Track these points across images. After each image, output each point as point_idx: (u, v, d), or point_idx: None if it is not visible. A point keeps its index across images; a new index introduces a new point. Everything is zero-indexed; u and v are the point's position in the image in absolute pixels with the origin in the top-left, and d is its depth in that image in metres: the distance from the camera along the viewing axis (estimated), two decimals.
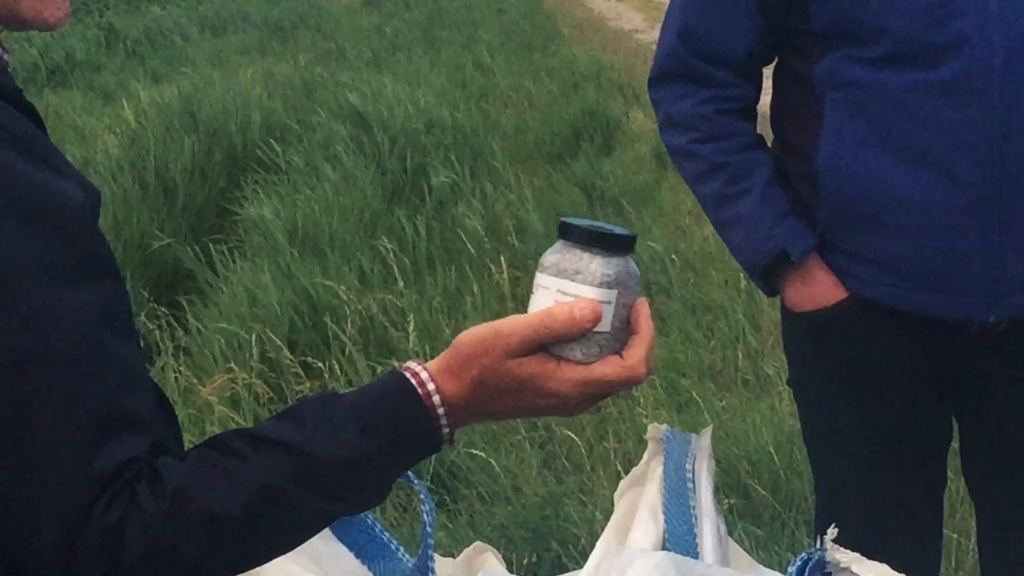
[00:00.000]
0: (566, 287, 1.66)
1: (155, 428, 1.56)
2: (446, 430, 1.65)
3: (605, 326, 1.65)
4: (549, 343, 1.65)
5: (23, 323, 1.48)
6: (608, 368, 1.66)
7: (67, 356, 1.50)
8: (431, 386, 1.64)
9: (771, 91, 3.10)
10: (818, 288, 2.98)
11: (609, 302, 1.65)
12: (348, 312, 6.99)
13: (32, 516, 1.48)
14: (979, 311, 2.86)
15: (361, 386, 1.66)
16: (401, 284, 7.42)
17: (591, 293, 1.64)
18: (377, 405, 1.63)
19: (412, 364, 1.66)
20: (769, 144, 3.10)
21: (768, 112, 3.08)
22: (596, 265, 1.65)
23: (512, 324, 1.66)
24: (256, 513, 1.54)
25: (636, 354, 1.67)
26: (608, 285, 1.65)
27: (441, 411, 1.64)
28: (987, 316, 2.87)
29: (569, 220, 1.68)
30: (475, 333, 1.66)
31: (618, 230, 1.67)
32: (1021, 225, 2.80)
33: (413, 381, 1.64)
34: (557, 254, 1.68)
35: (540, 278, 1.68)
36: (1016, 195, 2.77)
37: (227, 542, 1.54)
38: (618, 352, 1.68)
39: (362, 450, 1.60)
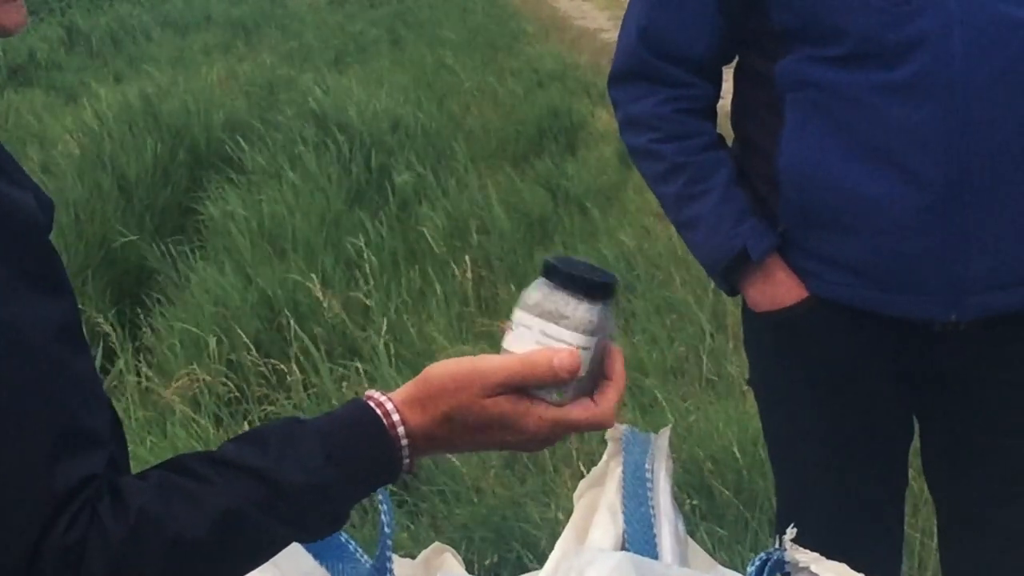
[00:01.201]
0: (549, 330, 1.66)
1: (111, 446, 1.56)
2: (406, 461, 1.66)
3: (582, 371, 1.66)
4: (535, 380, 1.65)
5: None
6: (580, 412, 1.68)
7: (26, 371, 1.48)
8: (395, 417, 1.64)
9: (731, 90, 3.10)
10: (779, 288, 2.98)
11: (588, 348, 1.66)
12: (311, 313, 6.99)
13: None
14: (940, 311, 2.87)
15: (326, 413, 1.66)
16: (365, 285, 7.42)
17: (574, 340, 1.65)
18: (342, 433, 1.63)
19: (376, 394, 1.66)
20: (730, 143, 3.10)
21: (729, 111, 3.08)
22: (580, 312, 1.66)
23: (491, 365, 1.66)
24: (220, 538, 1.54)
25: (608, 400, 1.69)
26: (591, 332, 1.66)
27: (404, 442, 1.64)
28: (948, 316, 2.87)
29: (553, 261, 1.68)
30: (448, 368, 1.67)
31: (600, 275, 1.67)
32: (982, 225, 2.79)
33: (378, 411, 1.64)
34: (540, 294, 1.67)
35: (521, 316, 1.68)
36: (977, 195, 2.76)
37: (190, 565, 1.54)
38: (590, 394, 1.69)
39: (326, 478, 1.60)
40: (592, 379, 1.68)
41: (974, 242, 2.80)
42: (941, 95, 2.73)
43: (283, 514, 1.58)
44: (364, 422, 1.64)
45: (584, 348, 1.65)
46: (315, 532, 1.66)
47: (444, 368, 1.67)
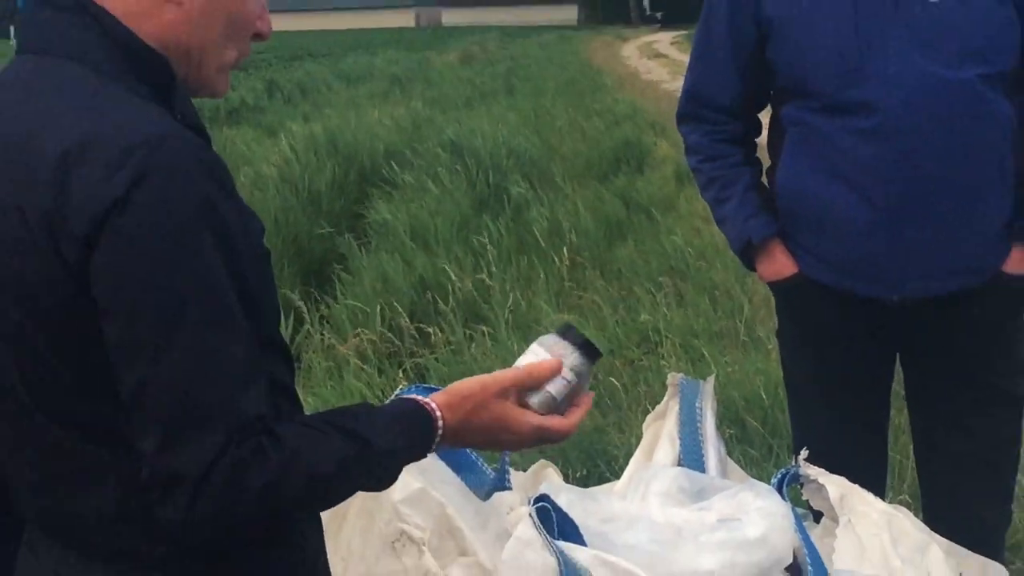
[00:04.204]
0: (547, 354, 1.79)
1: (273, 400, 1.58)
2: (434, 447, 1.70)
3: (559, 395, 1.76)
4: (522, 391, 1.74)
5: (216, 303, 1.49)
6: (554, 421, 1.76)
7: (240, 330, 1.51)
8: (438, 414, 1.67)
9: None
10: (777, 264, 3.05)
11: (568, 380, 1.76)
12: (449, 290, 7.03)
13: (187, 435, 1.46)
14: (887, 292, 2.93)
15: (395, 402, 1.71)
16: (487, 269, 7.44)
17: (564, 372, 1.77)
18: (408, 419, 1.66)
19: (424, 399, 1.70)
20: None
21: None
22: (571, 358, 1.77)
23: (502, 372, 1.74)
24: (335, 475, 1.55)
25: (574, 417, 1.79)
26: (573, 372, 1.77)
27: (440, 433, 1.68)
28: (893, 296, 2.92)
29: (568, 324, 1.83)
30: (471, 380, 1.73)
31: (595, 346, 1.80)
32: (916, 234, 2.85)
33: (428, 410, 1.67)
34: (551, 340, 1.80)
35: (534, 348, 1.80)
36: (913, 213, 2.83)
37: (313, 492, 1.55)
38: (562, 414, 1.78)
39: (395, 446, 1.62)
40: (566, 407, 1.78)
41: (910, 245, 2.87)
42: (886, 138, 2.81)
43: (368, 465, 1.60)
44: (420, 415, 1.67)
45: (564, 377, 1.76)
46: (381, 482, 1.68)
47: (469, 381, 1.73)
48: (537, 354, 1.78)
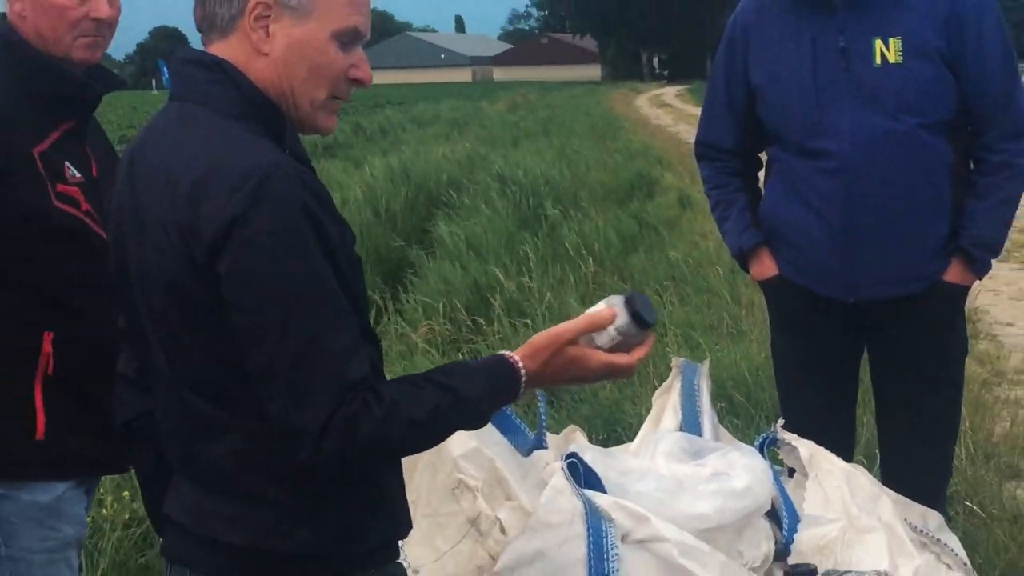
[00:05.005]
0: (605, 308, 1.71)
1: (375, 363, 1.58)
2: (521, 391, 1.66)
3: (618, 338, 1.69)
4: (588, 333, 1.69)
5: (323, 292, 1.50)
6: (618, 358, 1.69)
7: (344, 312, 1.51)
8: (520, 365, 1.64)
9: None
10: (762, 267, 3.06)
11: (613, 337, 1.69)
12: (498, 290, 7.03)
13: (307, 397, 1.48)
14: (844, 295, 2.93)
15: (485, 358, 1.68)
16: (528, 274, 7.44)
17: (614, 331, 1.70)
18: (495, 371, 1.63)
19: (509, 353, 1.67)
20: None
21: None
22: (622, 320, 1.69)
23: (569, 323, 1.69)
24: (430, 421, 1.55)
25: (635, 356, 1.71)
26: (620, 332, 1.70)
27: (523, 381, 1.65)
28: (849, 298, 2.92)
29: (634, 294, 1.73)
30: (547, 332, 1.68)
31: (650, 313, 1.71)
32: (864, 249, 2.87)
33: (511, 362, 1.64)
34: (618, 299, 1.72)
35: (601, 303, 1.73)
36: (862, 233, 2.86)
37: (412, 435, 1.55)
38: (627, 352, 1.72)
39: (484, 394, 1.60)
40: (626, 348, 1.71)
41: (860, 259, 2.88)
42: (842, 176, 2.84)
43: (458, 411, 1.58)
44: (507, 368, 1.64)
45: (619, 330, 1.69)
46: (473, 424, 1.66)
47: (543, 333, 1.69)
48: (602, 305, 1.72)
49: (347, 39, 1.61)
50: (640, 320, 1.70)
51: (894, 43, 2.79)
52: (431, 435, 1.60)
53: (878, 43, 2.80)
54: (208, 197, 1.48)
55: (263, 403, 1.50)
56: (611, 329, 1.69)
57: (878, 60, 2.80)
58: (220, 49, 1.60)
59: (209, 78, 1.59)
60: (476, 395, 1.59)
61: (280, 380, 1.48)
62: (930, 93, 2.81)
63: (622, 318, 1.70)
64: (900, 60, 2.79)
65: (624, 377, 1.74)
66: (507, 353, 1.66)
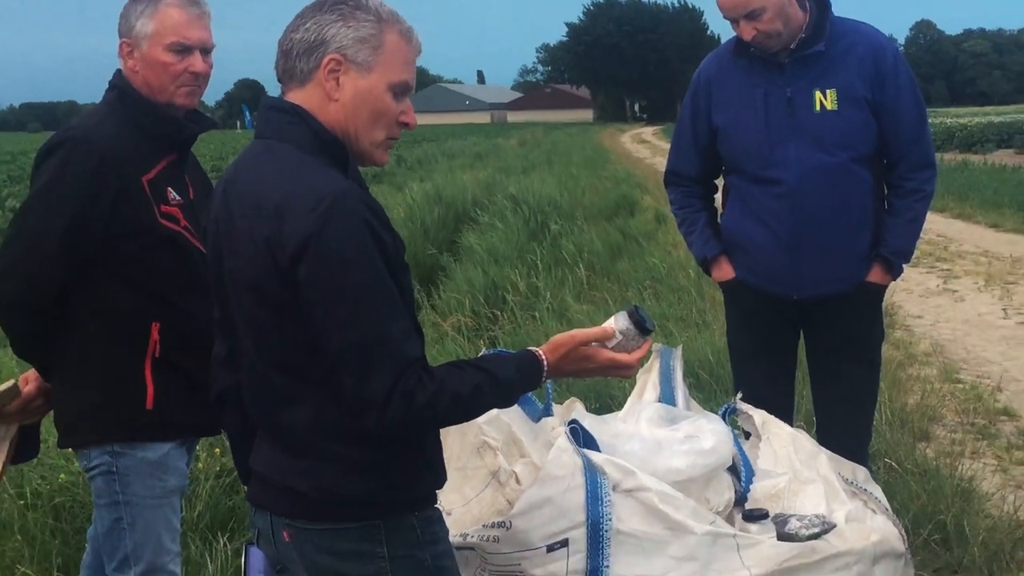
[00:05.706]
0: (613, 323, 1.73)
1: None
2: (544, 378, 1.67)
3: (622, 340, 1.71)
4: (599, 340, 1.70)
5: (384, 290, 1.50)
6: (620, 356, 1.71)
7: (398, 305, 1.51)
8: (543, 357, 1.65)
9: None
10: (722, 271, 3.03)
11: (618, 340, 1.71)
12: (512, 289, 7.01)
13: (373, 373, 1.48)
14: (789, 293, 2.92)
15: (517, 351, 1.68)
16: (536, 277, 7.41)
17: (619, 328, 1.72)
18: (524, 361, 1.64)
19: (535, 348, 1.67)
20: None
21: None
22: (623, 326, 1.72)
23: (587, 329, 1.71)
24: (472, 396, 1.55)
25: (635, 356, 1.72)
26: (624, 336, 1.72)
27: (546, 369, 1.66)
28: (793, 295, 2.91)
29: (635, 307, 1.75)
30: (565, 334, 1.69)
31: (648, 321, 1.73)
32: (805, 257, 2.86)
33: (536, 355, 1.65)
34: (623, 313, 1.74)
35: (612, 318, 1.75)
36: (804, 244, 2.85)
37: (457, 407, 1.55)
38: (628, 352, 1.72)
39: (515, 379, 1.61)
40: (627, 349, 1.72)
41: (802, 264, 2.87)
42: (788, 199, 2.84)
43: (494, 390, 1.58)
44: (533, 359, 1.65)
45: (621, 332, 1.71)
46: (506, 402, 1.67)
47: (564, 335, 1.70)
48: (611, 321, 1.74)
49: (399, 90, 1.62)
50: (641, 327, 1.72)
51: (831, 93, 2.80)
52: (471, 409, 1.60)
53: (817, 94, 2.81)
54: (290, 215, 1.49)
55: (338, 379, 1.51)
56: (617, 333, 1.72)
57: (817, 107, 2.81)
58: (298, 96, 1.61)
59: (287, 120, 1.60)
60: (509, 379, 1.60)
61: (351, 361, 1.49)
62: (859, 133, 2.82)
63: (626, 325, 1.73)
64: (836, 107, 2.80)
65: (625, 373, 1.73)
66: (533, 348, 1.68)
